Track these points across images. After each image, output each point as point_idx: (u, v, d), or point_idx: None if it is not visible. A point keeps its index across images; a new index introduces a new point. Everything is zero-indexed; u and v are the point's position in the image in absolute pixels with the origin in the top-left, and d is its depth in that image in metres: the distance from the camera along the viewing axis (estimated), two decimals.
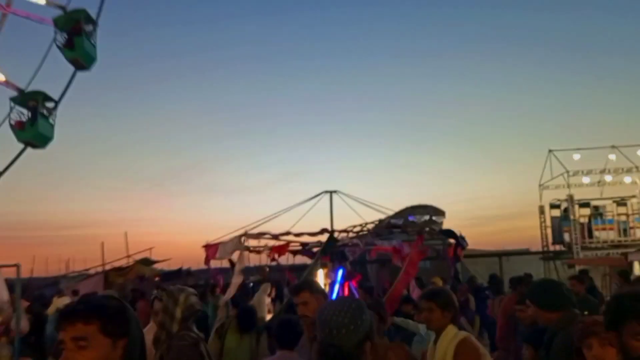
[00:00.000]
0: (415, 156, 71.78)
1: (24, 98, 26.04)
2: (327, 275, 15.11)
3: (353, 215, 16.88)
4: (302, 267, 18.89)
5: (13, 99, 25.92)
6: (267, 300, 14.55)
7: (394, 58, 76.55)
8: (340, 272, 15.10)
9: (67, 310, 2.10)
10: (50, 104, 26.64)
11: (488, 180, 65.21)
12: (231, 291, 13.70)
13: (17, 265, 9.96)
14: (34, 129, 25.77)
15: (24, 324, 9.52)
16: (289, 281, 18.90)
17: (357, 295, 13.50)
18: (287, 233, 15.74)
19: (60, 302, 14.43)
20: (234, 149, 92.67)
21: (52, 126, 26.78)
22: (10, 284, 9.46)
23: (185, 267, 31.38)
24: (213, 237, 16.00)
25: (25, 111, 26.25)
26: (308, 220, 16.17)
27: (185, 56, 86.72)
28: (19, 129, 25.71)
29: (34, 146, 26.46)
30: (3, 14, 28.57)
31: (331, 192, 16.30)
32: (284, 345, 4.92)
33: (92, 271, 32.87)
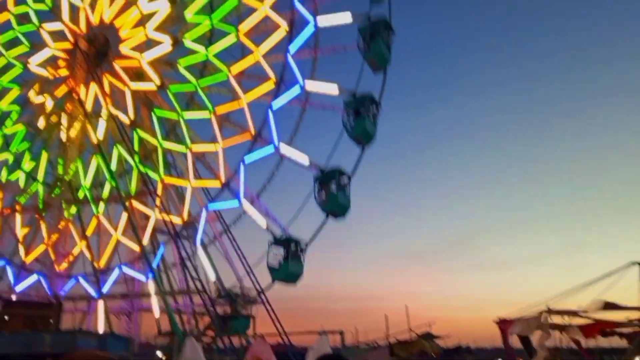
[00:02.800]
0: None
1: (323, 177, 29.99)
2: None
3: None
4: (604, 351, 16.74)
5: (316, 178, 30.04)
6: None
7: None
8: None
9: None
10: (345, 179, 30.07)
11: None
12: None
13: (341, 332, 10.83)
14: (335, 201, 29.31)
15: None
16: None
17: None
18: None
19: None
20: (507, 221, 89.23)
21: (348, 198, 30.09)
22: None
23: (464, 344, 30.71)
24: (490, 314, 15.44)
25: (322, 189, 30.15)
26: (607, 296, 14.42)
27: (453, 130, 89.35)
28: (322, 201, 29.56)
29: (335, 216, 29.95)
30: (303, 109, 34.17)
31: None
32: None
33: (377, 343, 34.13)
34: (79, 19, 36.08)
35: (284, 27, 31.59)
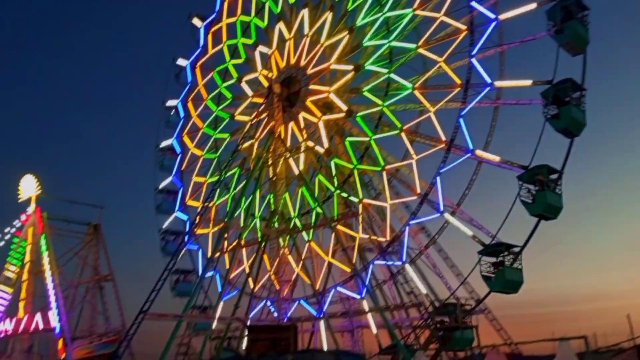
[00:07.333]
0: None
1: (529, 174, 27.97)
2: None
3: None
4: None
5: (520, 177, 28.16)
6: None
7: None
8: None
9: None
10: (553, 176, 27.69)
11: None
12: None
13: (584, 337, 10.04)
14: (544, 202, 27.07)
15: None
16: None
17: None
18: None
19: None
20: None
21: (559, 196, 27.57)
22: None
23: None
24: None
25: (532, 187, 27.98)
26: None
27: None
28: (530, 203, 27.51)
29: (546, 218, 27.60)
30: (495, 107, 32.72)
31: None
32: None
33: (622, 346, 30.46)
34: (271, 64, 39.93)
35: (463, 29, 30.90)
